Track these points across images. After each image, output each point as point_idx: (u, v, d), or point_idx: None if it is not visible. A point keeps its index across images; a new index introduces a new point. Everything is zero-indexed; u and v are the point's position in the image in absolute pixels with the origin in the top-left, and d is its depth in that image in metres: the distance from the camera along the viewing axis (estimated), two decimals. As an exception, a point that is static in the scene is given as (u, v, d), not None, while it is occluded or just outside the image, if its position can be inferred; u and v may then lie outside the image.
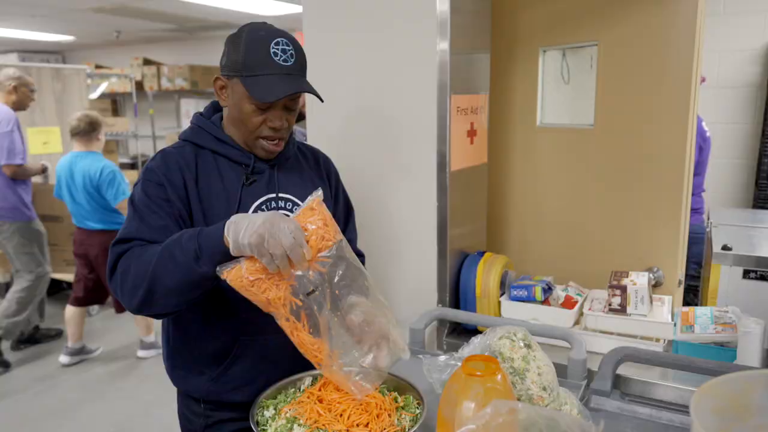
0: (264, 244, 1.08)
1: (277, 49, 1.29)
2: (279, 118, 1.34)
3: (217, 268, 1.13)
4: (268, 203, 1.40)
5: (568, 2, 2.02)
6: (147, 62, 8.62)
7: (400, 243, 1.90)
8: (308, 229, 1.13)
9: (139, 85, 8.37)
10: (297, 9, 6.05)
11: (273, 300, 1.12)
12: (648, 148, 1.93)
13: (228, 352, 1.39)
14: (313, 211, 1.16)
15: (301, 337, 1.16)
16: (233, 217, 1.15)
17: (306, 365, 1.35)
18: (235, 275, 1.12)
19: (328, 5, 1.91)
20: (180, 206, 1.31)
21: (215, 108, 1.47)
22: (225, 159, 1.39)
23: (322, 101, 1.43)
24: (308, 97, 2.00)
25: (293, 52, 1.32)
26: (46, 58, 10.30)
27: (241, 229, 1.10)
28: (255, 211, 1.38)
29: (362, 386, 1.16)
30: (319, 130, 2.01)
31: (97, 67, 8.93)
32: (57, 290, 5.60)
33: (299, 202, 1.43)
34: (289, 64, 1.30)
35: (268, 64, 1.28)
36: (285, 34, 1.33)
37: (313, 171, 1.54)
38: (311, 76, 1.95)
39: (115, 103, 9.41)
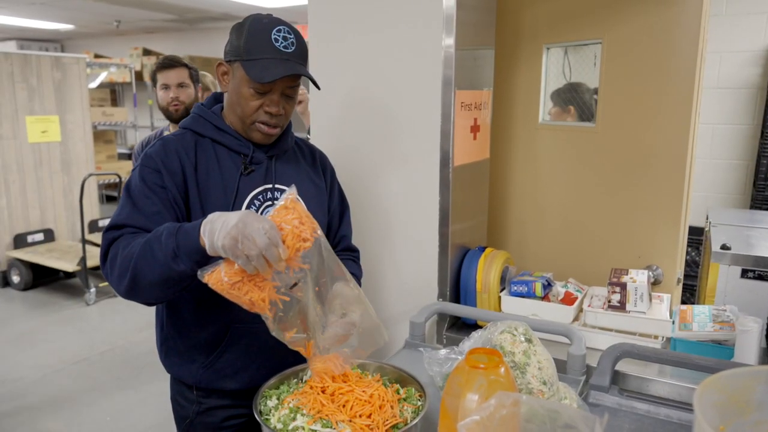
0: (238, 245, 1.04)
1: (278, 35, 1.31)
2: (276, 104, 1.35)
3: (198, 272, 1.11)
4: (264, 193, 1.41)
5: (572, 0, 2.03)
6: (146, 52, 8.60)
7: (402, 237, 1.91)
8: (284, 228, 1.10)
9: (139, 76, 8.34)
10: (298, 2, 6.03)
11: (256, 301, 1.10)
12: (649, 147, 1.94)
13: (220, 339, 1.40)
14: (287, 210, 1.12)
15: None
16: (210, 216, 1.12)
17: (298, 355, 1.38)
18: (215, 278, 1.09)
19: (333, -2, 1.91)
20: (175, 192, 1.32)
21: (216, 99, 1.48)
22: (224, 148, 1.40)
23: (318, 88, 1.45)
24: (312, 91, 2.00)
25: (294, 41, 1.33)
26: (44, 46, 10.25)
27: (216, 230, 1.07)
28: (251, 200, 1.39)
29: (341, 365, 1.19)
30: (323, 123, 2.01)
31: (96, 56, 8.89)
32: (54, 279, 5.61)
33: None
34: (289, 50, 1.32)
35: (267, 49, 1.30)
36: (288, 24, 1.35)
37: (309, 165, 1.55)
38: (315, 69, 1.96)
39: (114, 92, 9.39)
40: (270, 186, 1.42)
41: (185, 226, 1.15)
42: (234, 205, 1.36)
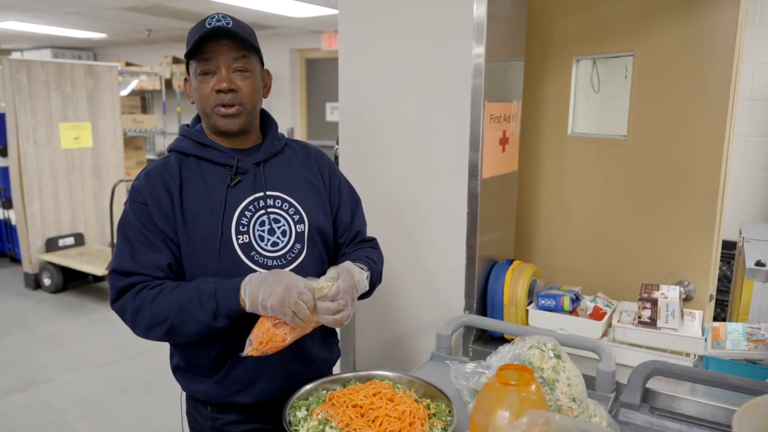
0: (285, 306, 1.19)
1: (212, 20, 1.32)
2: (224, 80, 1.32)
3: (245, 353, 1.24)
4: (255, 202, 1.39)
5: (603, 12, 2.01)
6: (176, 60, 8.74)
7: (429, 248, 1.91)
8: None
9: (168, 83, 8.48)
10: (326, 11, 6.08)
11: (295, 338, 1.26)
12: (681, 160, 1.91)
13: (229, 354, 1.39)
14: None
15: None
16: (247, 279, 1.24)
17: (308, 366, 1.41)
18: (262, 344, 1.23)
19: (364, 8, 1.92)
20: (164, 224, 1.33)
21: (199, 119, 1.48)
22: (209, 163, 1.39)
23: (259, 53, 1.40)
24: (342, 100, 2.01)
25: (230, 21, 1.33)
26: (78, 54, 10.50)
27: (259, 293, 1.20)
28: (242, 212, 1.37)
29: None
30: (351, 133, 2.02)
31: (128, 64, 9.07)
32: (84, 282, 5.72)
33: (289, 199, 1.42)
34: (220, 23, 1.31)
35: (200, 33, 1.30)
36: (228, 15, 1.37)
37: (303, 166, 1.51)
38: (345, 77, 1.97)
39: (144, 100, 9.55)
40: (261, 194, 1.40)
41: (222, 287, 1.25)
42: (223, 219, 1.35)
